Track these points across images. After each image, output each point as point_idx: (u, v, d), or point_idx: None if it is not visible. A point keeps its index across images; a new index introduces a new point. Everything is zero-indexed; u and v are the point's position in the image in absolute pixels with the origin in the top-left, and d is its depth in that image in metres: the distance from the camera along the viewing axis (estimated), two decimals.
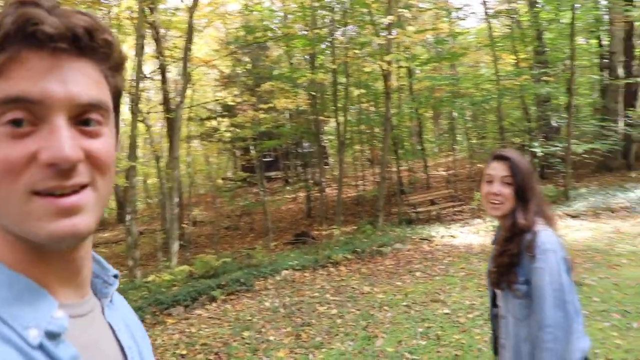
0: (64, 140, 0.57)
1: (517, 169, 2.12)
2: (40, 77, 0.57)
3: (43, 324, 0.57)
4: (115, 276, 0.78)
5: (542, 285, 1.98)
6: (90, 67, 0.62)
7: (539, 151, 14.12)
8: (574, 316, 1.96)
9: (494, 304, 2.39)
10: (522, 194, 2.11)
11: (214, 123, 21.88)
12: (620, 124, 15.36)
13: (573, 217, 11.02)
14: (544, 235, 2.06)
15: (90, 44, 0.61)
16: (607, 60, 16.91)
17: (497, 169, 2.16)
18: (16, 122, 0.56)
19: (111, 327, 0.73)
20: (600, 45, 18.43)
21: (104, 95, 0.63)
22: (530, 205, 2.12)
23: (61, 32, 0.58)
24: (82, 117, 0.60)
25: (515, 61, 18.68)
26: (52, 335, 0.58)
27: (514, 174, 2.11)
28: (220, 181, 18.75)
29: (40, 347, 0.56)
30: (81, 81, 0.60)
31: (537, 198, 2.16)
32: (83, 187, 0.60)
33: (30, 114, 0.57)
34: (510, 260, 2.08)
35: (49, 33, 0.57)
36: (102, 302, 0.75)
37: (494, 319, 2.40)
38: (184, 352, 5.74)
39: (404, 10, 14.36)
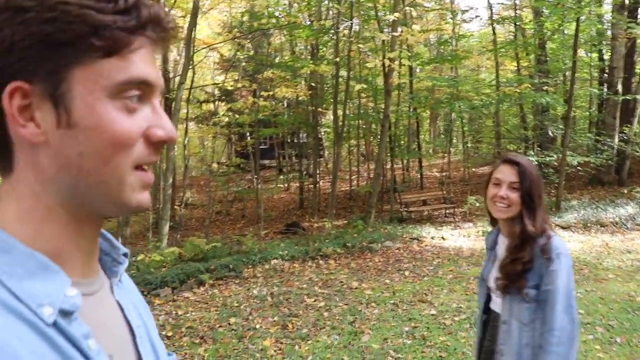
0: (169, 122, 0.66)
1: (526, 175, 2.13)
2: (152, 65, 0.65)
3: (57, 301, 0.58)
4: (125, 255, 0.79)
5: (555, 289, 2.01)
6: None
7: (534, 160, 14.19)
8: (576, 322, 2.01)
9: (485, 309, 2.40)
10: (529, 201, 2.13)
11: (211, 106, 21.83)
12: (616, 140, 15.46)
13: (563, 228, 11.11)
14: (557, 239, 2.10)
15: (168, 45, 0.69)
16: (606, 75, 16.99)
17: (506, 174, 2.17)
18: (133, 98, 0.63)
19: (120, 306, 0.74)
20: (601, 60, 18.52)
21: None
22: (538, 212, 2.14)
23: (175, 32, 0.68)
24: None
25: (517, 68, 18.75)
26: (66, 313, 0.59)
27: (522, 179, 2.13)
28: (214, 165, 18.71)
29: (54, 324, 0.57)
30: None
31: (543, 206, 2.18)
32: None
33: (142, 93, 0.64)
34: (523, 267, 2.09)
35: (173, 32, 0.67)
36: (112, 281, 0.75)
37: (484, 325, 2.41)
38: (170, 333, 5.76)
39: (410, 8, 14.34)
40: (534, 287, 2.07)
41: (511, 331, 2.14)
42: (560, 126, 16.32)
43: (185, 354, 5.16)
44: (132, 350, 0.72)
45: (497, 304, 2.29)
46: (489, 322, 2.37)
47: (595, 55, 19.35)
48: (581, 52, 18.24)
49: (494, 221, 2.38)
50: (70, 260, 0.65)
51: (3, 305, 0.54)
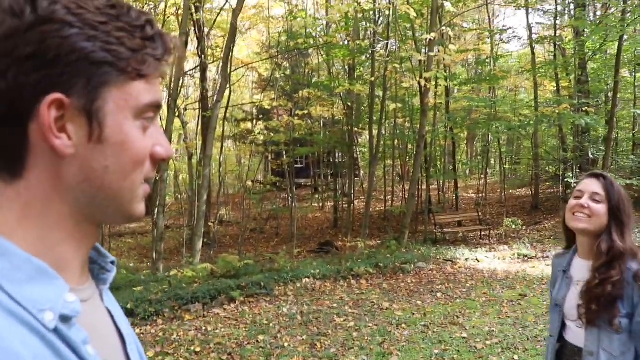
0: (167, 139, 0.71)
1: (614, 188, 2.00)
2: (160, 89, 0.70)
3: (57, 307, 0.58)
4: (113, 262, 0.80)
5: None
6: None
7: (573, 182, 13.87)
8: None
9: (559, 338, 2.17)
10: (617, 216, 1.97)
11: (248, 125, 22.09)
12: None
13: None
14: None
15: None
16: None
17: (590, 185, 2.04)
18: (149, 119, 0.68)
19: (110, 314, 0.75)
20: None
21: None
22: (626, 229, 1.98)
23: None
24: None
25: (556, 89, 18.42)
26: (65, 319, 0.59)
27: (609, 192, 1.99)
28: (250, 183, 18.88)
29: (55, 330, 0.58)
30: None
31: (631, 226, 2.03)
32: None
33: (153, 115, 0.69)
34: (613, 290, 1.89)
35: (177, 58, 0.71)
36: (101, 289, 0.76)
37: (559, 354, 2.16)
38: (198, 349, 5.78)
39: (446, 28, 14.30)
40: (626, 316, 1.88)
41: None
42: (602, 148, 15.94)
43: None
44: (123, 357, 0.73)
45: (575, 333, 2.08)
46: (563, 353, 2.14)
47: (639, 75, 18.88)
48: (624, 72, 17.83)
49: (570, 242, 2.23)
50: (70, 267, 0.66)
51: (4, 309, 0.54)
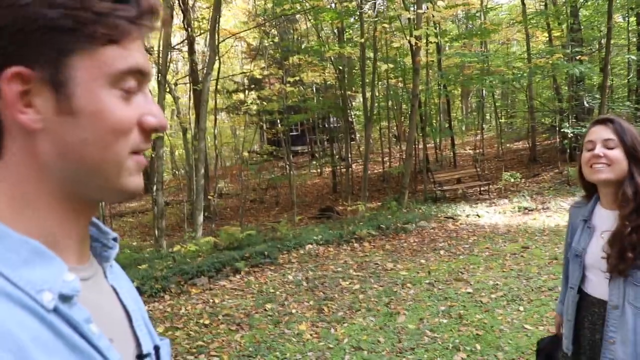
0: (160, 110, 0.67)
1: (625, 130, 1.90)
2: (143, 54, 0.65)
3: (56, 286, 0.57)
4: (115, 239, 0.78)
5: None
6: None
7: (570, 132, 13.86)
8: None
9: (579, 290, 2.09)
10: (636, 156, 1.88)
11: (240, 96, 21.92)
12: None
13: None
14: None
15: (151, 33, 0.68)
16: None
17: (599, 133, 1.93)
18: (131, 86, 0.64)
19: (115, 291, 0.74)
20: (639, 24, 17.83)
21: None
22: None
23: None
24: None
25: (548, 39, 18.25)
26: (65, 298, 0.58)
27: (621, 135, 1.89)
28: (246, 154, 18.85)
29: (55, 310, 0.57)
30: None
31: None
32: None
33: (137, 82, 0.64)
34: None
35: (163, 18, 0.67)
36: (104, 266, 0.75)
37: (580, 307, 2.08)
38: (207, 321, 5.83)
39: None
40: None
41: (626, 318, 1.84)
42: (597, 96, 15.85)
43: (223, 340, 5.22)
44: (129, 334, 0.73)
45: (595, 285, 2.00)
46: (581, 305, 2.07)
47: (633, 19, 18.63)
48: (617, 17, 17.61)
49: (589, 191, 2.12)
50: (66, 247, 0.64)
51: (1, 293, 0.53)
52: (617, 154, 1.88)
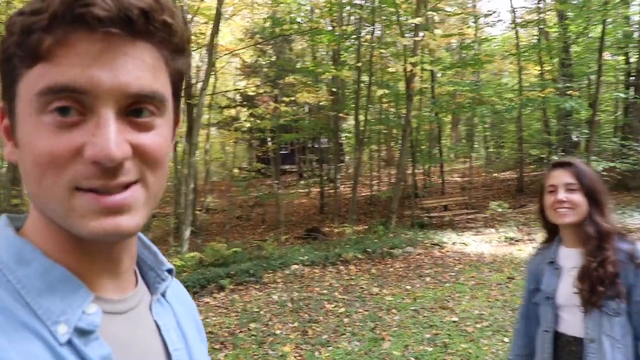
0: (110, 137, 0.53)
1: (583, 173, 2.01)
2: (89, 64, 0.53)
3: (73, 319, 0.55)
4: (170, 271, 0.74)
5: None
6: (147, 52, 0.57)
7: None
8: None
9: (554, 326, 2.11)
10: (595, 198, 1.99)
11: (233, 112, 21.94)
12: None
13: None
14: (639, 244, 1.96)
15: (146, 28, 0.56)
16: (633, 78, 16.70)
17: (560, 177, 2.04)
18: (63, 110, 0.53)
19: (157, 326, 0.69)
20: (628, 63, 18.21)
21: (159, 84, 0.58)
22: (606, 208, 2.01)
23: (112, 14, 0.53)
24: (134, 107, 0.56)
25: (540, 72, 18.53)
26: (83, 332, 0.56)
27: (581, 178, 2.00)
28: (235, 170, 18.80)
29: (69, 343, 0.55)
30: (133, 69, 0.55)
31: (608, 202, 2.05)
32: (131, 184, 0.56)
33: (78, 103, 0.53)
34: (614, 267, 1.89)
35: (98, 15, 0.52)
36: (152, 298, 0.70)
37: (555, 348, 2.08)
38: None
39: (431, 12, 14.27)
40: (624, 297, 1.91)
41: (603, 350, 1.90)
42: (585, 130, 16.08)
43: None
44: None
45: (569, 323, 2.04)
46: (557, 346, 2.08)
47: (621, 58, 19.02)
48: (607, 55, 17.95)
49: (551, 234, 2.20)
50: (90, 274, 0.61)
51: (19, 322, 0.52)
52: (578, 197, 1.99)
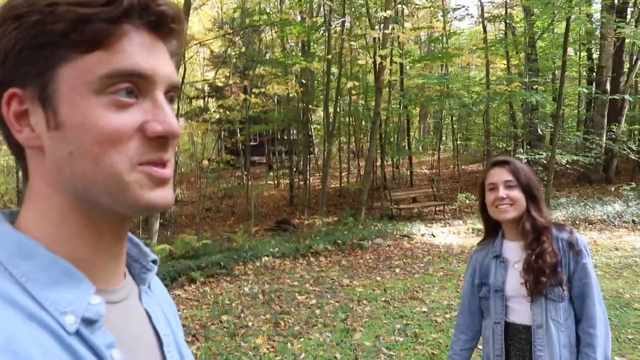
0: (172, 115, 0.61)
1: (519, 170, 2.12)
2: (148, 55, 0.60)
3: (80, 309, 0.57)
4: (154, 261, 0.77)
5: (590, 282, 2.02)
6: (165, 47, 0.65)
7: (523, 158, 14.29)
8: (606, 312, 2.04)
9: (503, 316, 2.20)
10: (531, 193, 2.10)
11: (201, 103, 21.72)
12: (604, 138, 15.60)
13: None
14: (576, 232, 2.12)
15: (171, 30, 0.64)
16: (595, 74, 17.15)
17: (499, 175, 2.14)
18: (130, 92, 0.59)
19: (147, 314, 0.72)
20: (590, 59, 18.67)
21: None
22: (541, 203, 2.13)
23: (174, 14, 0.63)
24: (170, 94, 0.65)
25: (507, 67, 18.85)
26: (89, 322, 0.58)
27: (517, 175, 2.11)
28: (204, 162, 18.65)
29: (77, 333, 0.56)
30: (169, 62, 0.64)
31: (543, 197, 2.17)
32: (167, 161, 0.63)
33: (135, 87, 0.60)
34: (553, 257, 2.03)
35: (168, 15, 0.62)
36: (140, 289, 0.74)
37: (506, 337, 2.17)
38: None
39: (401, 5, 14.37)
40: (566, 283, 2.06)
41: (550, 334, 2.04)
42: (550, 124, 16.44)
43: None
44: (159, 359, 0.71)
45: (518, 312, 2.15)
46: (507, 336, 2.17)
47: (584, 54, 19.51)
48: (570, 51, 18.38)
49: (494, 229, 2.29)
50: (93, 266, 0.63)
51: (26, 314, 0.53)
52: (517, 193, 2.10)
